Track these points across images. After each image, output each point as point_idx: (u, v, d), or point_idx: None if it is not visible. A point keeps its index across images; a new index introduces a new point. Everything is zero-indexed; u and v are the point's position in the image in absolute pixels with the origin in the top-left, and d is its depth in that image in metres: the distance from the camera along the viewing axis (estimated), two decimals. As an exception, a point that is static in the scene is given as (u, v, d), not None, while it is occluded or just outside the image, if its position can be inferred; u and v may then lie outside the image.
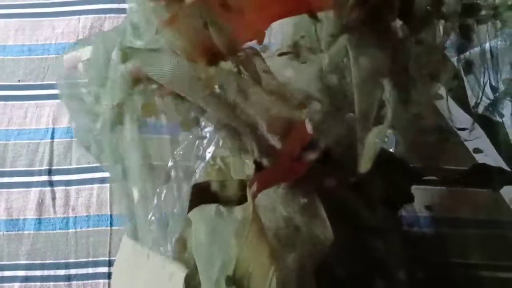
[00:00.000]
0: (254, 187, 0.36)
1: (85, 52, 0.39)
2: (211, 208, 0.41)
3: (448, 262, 0.58)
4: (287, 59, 0.44)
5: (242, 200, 0.39)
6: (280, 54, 0.44)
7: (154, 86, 0.36)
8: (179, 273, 0.34)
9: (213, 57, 0.35)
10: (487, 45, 0.41)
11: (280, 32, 0.44)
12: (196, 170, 0.60)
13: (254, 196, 0.36)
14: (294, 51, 0.44)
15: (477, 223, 0.61)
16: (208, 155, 0.58)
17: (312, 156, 0.40)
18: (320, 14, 0.39)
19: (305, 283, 0.39)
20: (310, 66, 0.41)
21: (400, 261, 0.46)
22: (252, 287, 0.35)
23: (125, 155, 0.37)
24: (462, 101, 0.44)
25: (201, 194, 0.40)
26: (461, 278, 0.58)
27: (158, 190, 0.38)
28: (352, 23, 0.37)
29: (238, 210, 0.41)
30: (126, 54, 0.35)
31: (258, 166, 0.39)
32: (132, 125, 0.36)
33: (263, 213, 0.37)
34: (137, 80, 0.36)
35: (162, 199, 0.38)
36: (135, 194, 0.37)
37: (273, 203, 0.41)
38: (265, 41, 0.38)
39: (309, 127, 0.39)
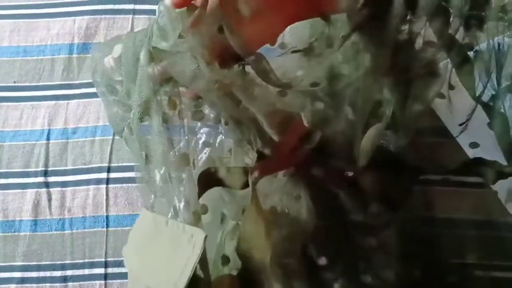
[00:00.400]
0: (256, 174, 0.42)
1: (116, 50, 0.42)
2: (215, 193, 0.46)
3: (443, 261, 0.59)
4: (299, 60, 0.48)
5: (245, 185, 0.43)
6: (294, 52, 0.48)
7: (179, 86, 0.41)
8: (200, 234, 0.36)
9: (226, 60, 0.39)
10: (494, 40, 0.42)
11: (295, 33, 0.48)
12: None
13: (255, 182, 0.42)
14: (308, 50, 0.47)
15: (472, 223, 0.62)
16: (204, 156, 0.59)
17: (308, 147, 0.45)
18: (333, 16, 0.42)
19: (289, 262, 0.44)
20: (320, 64, 0.45)
21: (390, 258, 0.47)
22: (252, 260, 0.40)
23: (150, 142, 0.41)
24: (470, 87, 0.45)
25: (209, 180, 0.45)
26: (456, 277, 0.58)
27: (177, 173, 0.42)
28: (360, 23, 0.40)
29: (239, 195, 0.47)
30: (152, 55, 0.39)
31: (260, 155, 0.44)
32: (158, 118, 0.40)
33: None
34: (166, 79, 0.40)
35: (180, 181, 0.42)
36: (157, 175, 0.41)
37: (266, 191, 0.47)
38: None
39: (305, 120, 0.43)
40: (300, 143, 0.45)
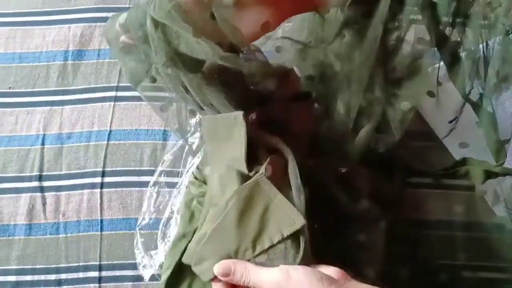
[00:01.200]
0: (254, 116, 0.48)
1: (121, 18, 0.48)
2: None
3: (431, 262, 0.59)
4: (295, 58, 0.52)
5: None
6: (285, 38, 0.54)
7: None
8: (239, 114, 0.45)
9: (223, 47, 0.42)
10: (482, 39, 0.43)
11: (293, 34, 0.53)
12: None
13: (253, 122, 0.48)
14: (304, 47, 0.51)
15: (460, 225, 0.63)
16: (193, 167, 0.60)
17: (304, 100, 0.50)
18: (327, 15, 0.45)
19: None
20: (314, 53, 0.49)
21: (378, 256, 0.48)
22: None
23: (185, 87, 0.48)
24: (460, 85, 0.46)
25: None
26: (443, 278, 0.59)
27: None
28: (351, 18, 0.41)
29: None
30: (156, 21, 0.43)
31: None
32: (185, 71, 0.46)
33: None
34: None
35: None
36: (196, 97, 0.48)
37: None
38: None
39: (298, 72, 0.49)
40: (297, 94, 0.50)
